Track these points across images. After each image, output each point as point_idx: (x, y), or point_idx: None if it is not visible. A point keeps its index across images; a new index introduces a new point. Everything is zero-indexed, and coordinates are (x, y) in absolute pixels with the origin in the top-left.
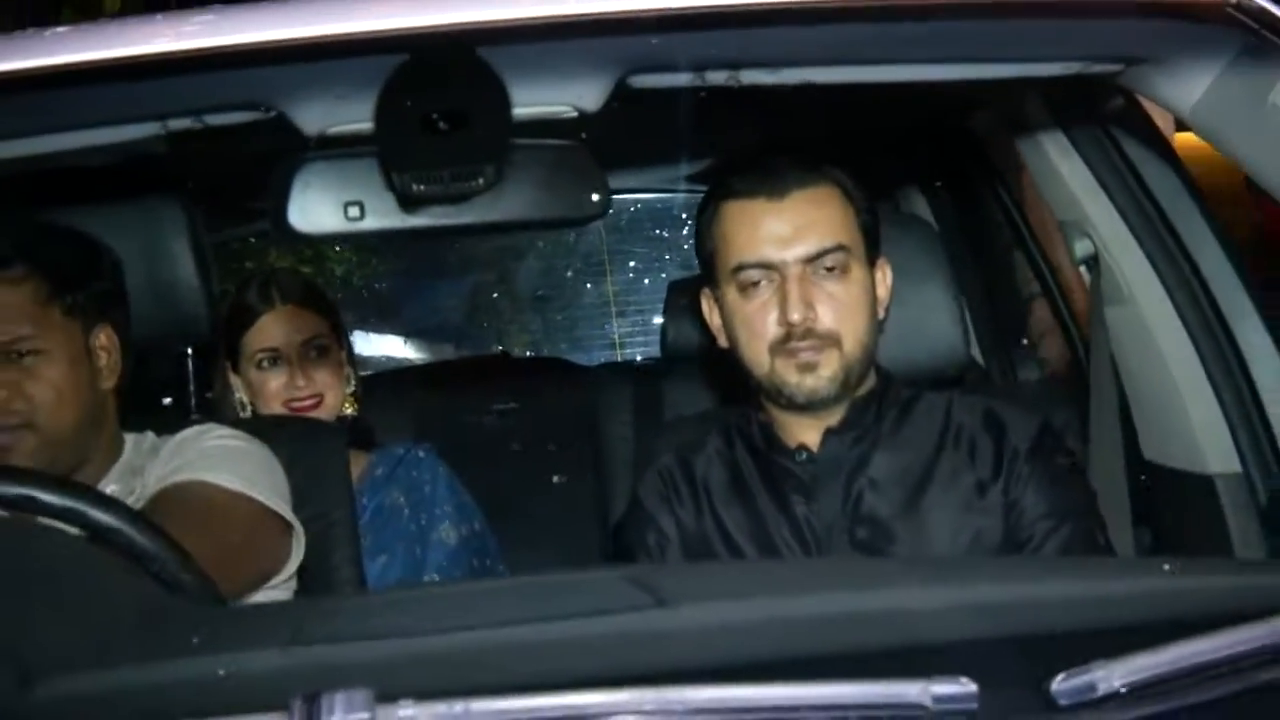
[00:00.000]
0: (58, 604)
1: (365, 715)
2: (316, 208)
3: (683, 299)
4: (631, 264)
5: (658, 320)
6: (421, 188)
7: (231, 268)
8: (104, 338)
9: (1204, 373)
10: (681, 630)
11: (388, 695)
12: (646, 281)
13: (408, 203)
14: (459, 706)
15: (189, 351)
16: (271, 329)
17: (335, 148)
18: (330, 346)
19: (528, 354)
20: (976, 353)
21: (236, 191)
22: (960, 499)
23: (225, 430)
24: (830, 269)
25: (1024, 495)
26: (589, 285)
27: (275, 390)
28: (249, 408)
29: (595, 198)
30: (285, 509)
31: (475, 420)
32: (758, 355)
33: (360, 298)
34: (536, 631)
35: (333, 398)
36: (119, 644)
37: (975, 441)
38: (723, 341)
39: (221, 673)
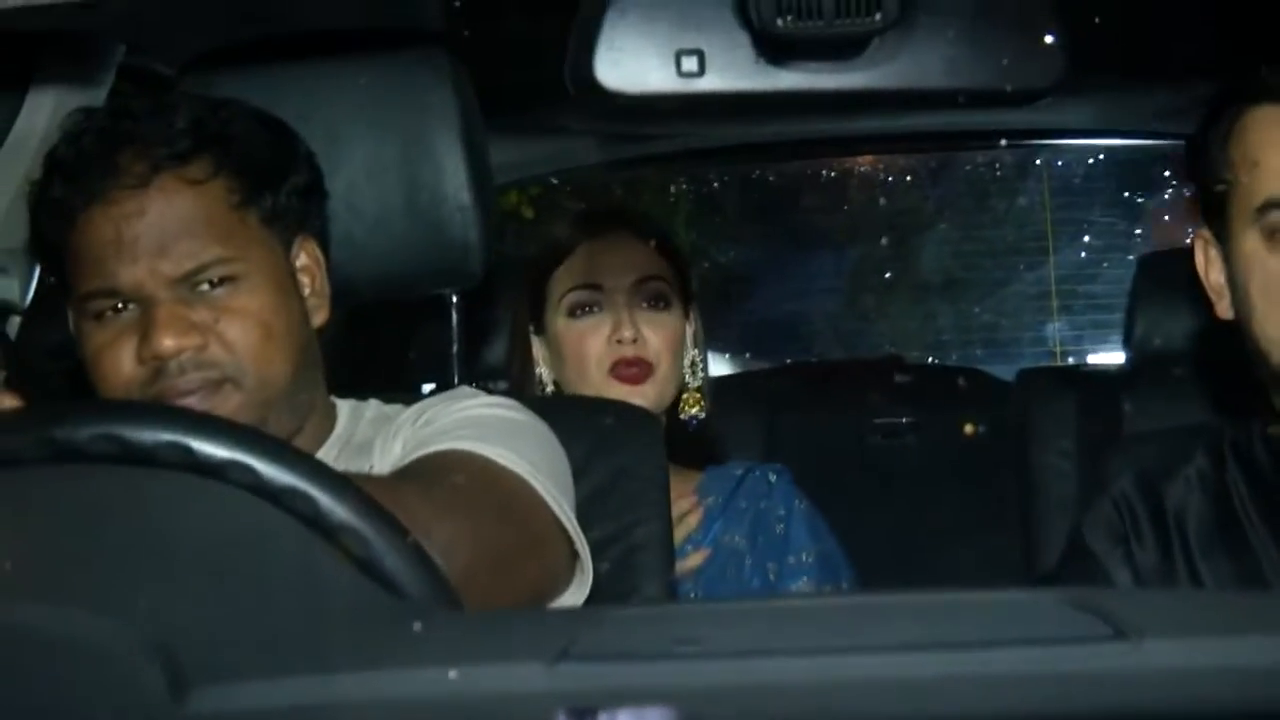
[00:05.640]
0: (231, 592)
1: None
2: (636, 57)
3: (1157, 279)
4: (1086, 239)
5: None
6: (790, 23)
7: None
8: (306, 254)
9: None
10: (1149, 669)
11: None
12: (1105, 265)
13: (768, 51)
14: None
15: (454, 299)
16: (591, 260)
17: None
18: (671, 298)
19: (930, 360)
20: None
21: None
22: None
23: (490, 397)
24: None
25: None
26: (1021, 267)
27: (593, 347)
28: (550, 386)
29: (1042, 66)
30: (574, 522)
31: (851, 439)
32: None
33: (704, 275)
34: (921, 662)
35: (666, 373)
36: (306, 646)
37: None
38: (1223, 310)
39: (453, 675)
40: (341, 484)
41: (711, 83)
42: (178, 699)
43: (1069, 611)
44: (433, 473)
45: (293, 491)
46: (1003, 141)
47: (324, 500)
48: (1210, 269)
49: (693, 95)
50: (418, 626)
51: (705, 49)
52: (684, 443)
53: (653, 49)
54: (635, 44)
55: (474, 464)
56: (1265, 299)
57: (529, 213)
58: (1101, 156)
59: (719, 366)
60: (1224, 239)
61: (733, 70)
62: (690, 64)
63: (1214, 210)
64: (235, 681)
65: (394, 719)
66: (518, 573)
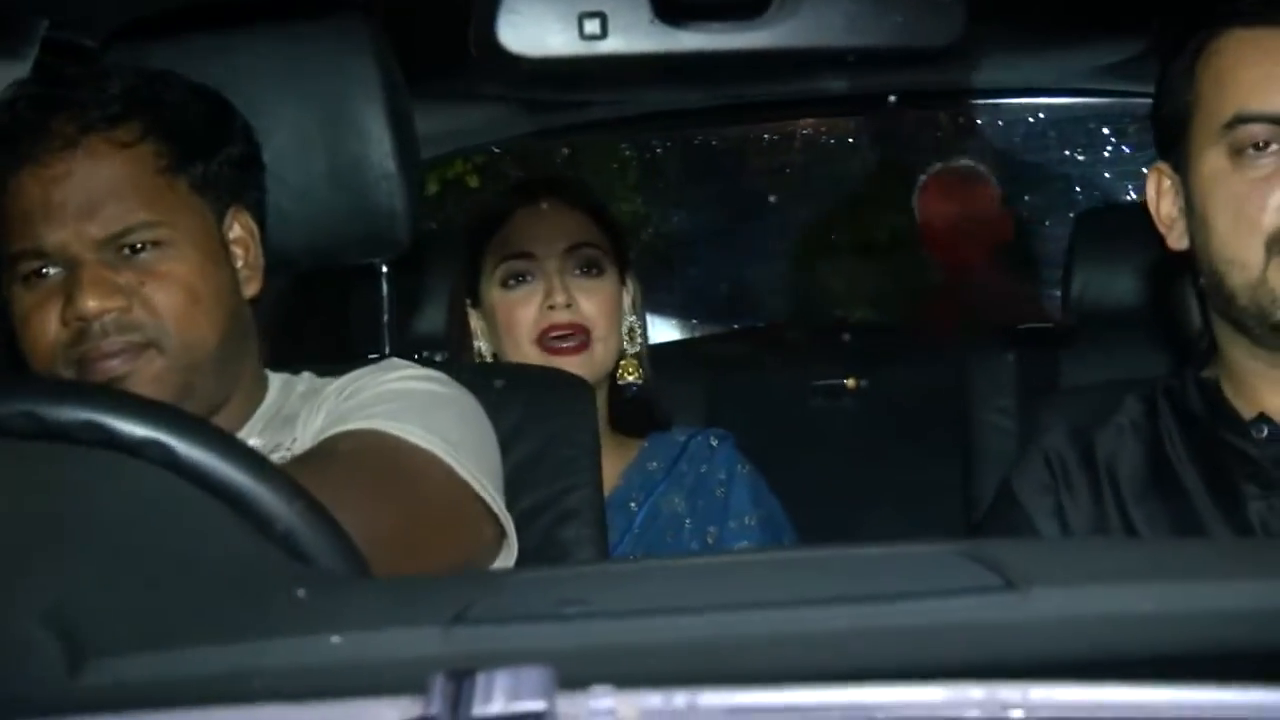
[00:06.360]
0: (130, 564)
1: (539, 705)
2: (538, 20)
3: (1095, 235)
4: (1026, 198)
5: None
6: None
7: None
8: (239, 225)
9: None
10: (1038, 619)
11: (576, 679)
12: (1047, 224)
13: (669, 13)
14: (681, 698)
15: (384, 270)
16: (524, 228)
17: None
18: (604, 264)
19: (874, 321)
20: None
21: None
22: None
23: (419, 369)
24: None
25: None
26: None
27: (526, 316)
28: (489, 359)
29: (942, 20)
30: (495, 497)
31: (794, 402)
32: (1242, 251)
33: (650, 241)
34: (809, 617)
35: (603, 340)
36: (202, 617)
37: None
38: (1174, 240)
39: (335, 640)
40: (248, 456)
41: (614, 45)
42: (74, 672)
43: (960, 562)
44: (332, 454)
45: (171, 452)
46: (892, 98)
47: (222, 469)
48: (1162, 200)
49: (596, 58)
50: (301, 593)
51: (607, 11)
52: (627, 411)
53: (554, 12)
54: (537, 7)
55: (382, 443)
56: (1226, 217)
57: (474, 182)
58: (1042, 115)
59: (667, 332)
60: (1182, 167)
61: (635, 32)
62: (593, 26)
63: (1172, 139)
64: (129, 654)
65: (281, 686)
66: (429, 551)
